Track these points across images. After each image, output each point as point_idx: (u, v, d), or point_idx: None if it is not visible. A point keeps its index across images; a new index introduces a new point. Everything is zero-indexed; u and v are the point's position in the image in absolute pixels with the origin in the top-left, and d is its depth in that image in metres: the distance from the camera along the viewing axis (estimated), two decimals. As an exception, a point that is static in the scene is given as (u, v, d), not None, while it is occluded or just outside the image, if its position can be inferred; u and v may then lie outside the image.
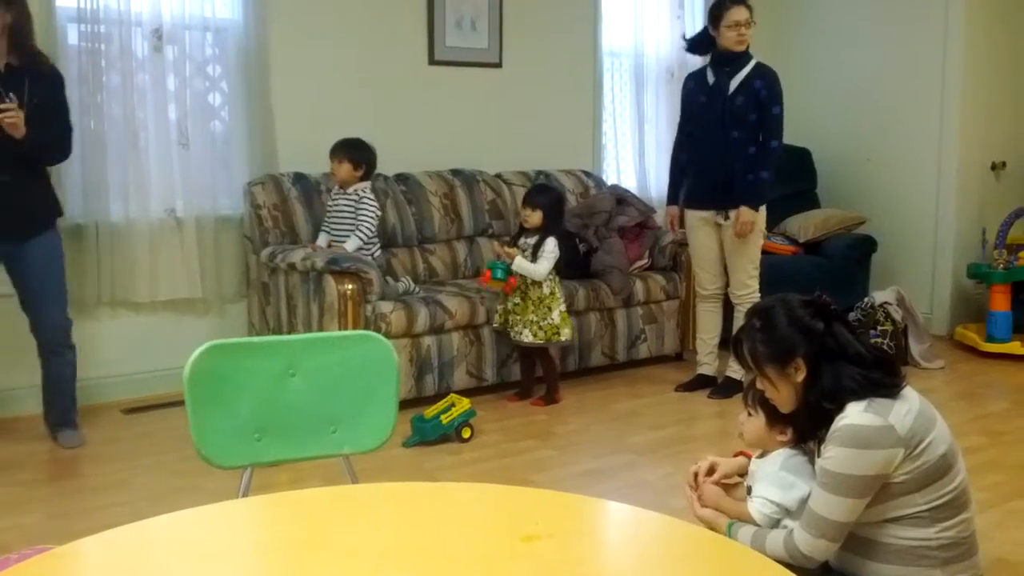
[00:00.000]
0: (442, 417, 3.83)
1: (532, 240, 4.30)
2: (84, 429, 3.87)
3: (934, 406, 1.97)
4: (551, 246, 4.23)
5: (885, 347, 4.95)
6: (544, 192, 4.46)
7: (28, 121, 3.46)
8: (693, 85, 4.49)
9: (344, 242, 4.29)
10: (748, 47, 4.31)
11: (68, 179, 4.18)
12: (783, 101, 4.32)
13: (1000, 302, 5.23)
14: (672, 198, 4.64)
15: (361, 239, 4.28)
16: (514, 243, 4.42)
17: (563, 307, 4.35)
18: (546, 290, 4.29)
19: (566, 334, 4.35)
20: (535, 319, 4.27)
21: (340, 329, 4.07)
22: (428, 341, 4.30)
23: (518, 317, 4.30)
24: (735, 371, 4.47)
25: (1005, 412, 4.36)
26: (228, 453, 1.99)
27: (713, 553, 1.46)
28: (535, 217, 4.29)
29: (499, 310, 4.40)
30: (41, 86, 3.58)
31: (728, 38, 4.27)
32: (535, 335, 4.28)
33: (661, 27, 5.85)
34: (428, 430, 3.79)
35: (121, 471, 3.54)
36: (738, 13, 4.25)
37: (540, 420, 4.19)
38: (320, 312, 4.15)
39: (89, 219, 4.21)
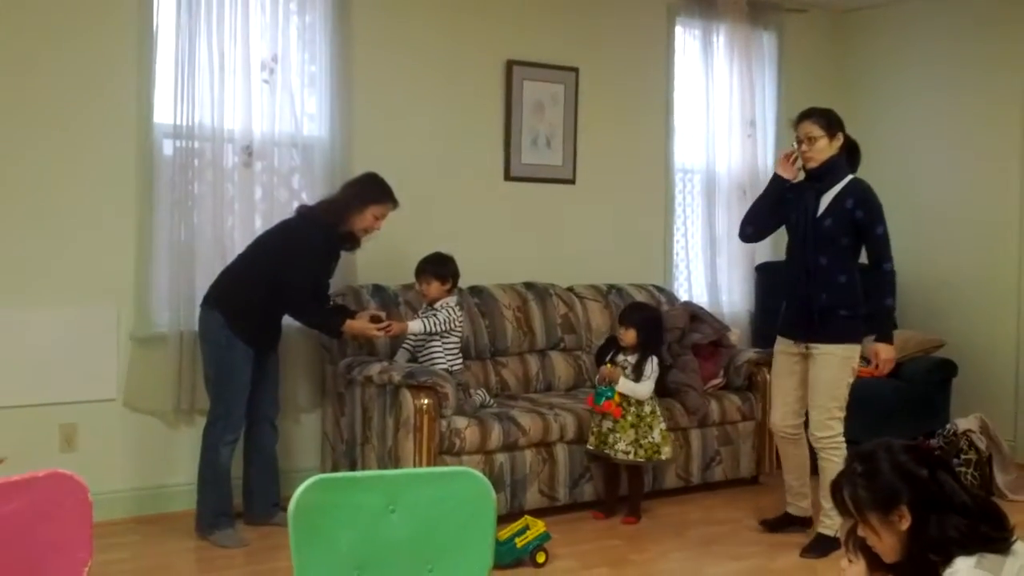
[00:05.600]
0: (516, 540, 3.76)
1: (631, 358, 4.35)
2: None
3: None
4: (653, 365, 4.32)
5: (969, 477, 4.79)
6: (638, 310, 4.56)
7: None
8: (792, 198, 4.09)
9: (431, 361, 4.31)
10: (837, 162, 3.93)
11: (156, 289, 4.29)
12: (885, 219, 3.94)
13: (1090, 432, 5.05)
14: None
15: (426, 324, 4.27)
16: (600, 359, 4.50)
17: (663, 425, 4.38)
18: (647, 408, 4.32)
19: (667, 452, 4.37)
20: (636, 437, 4.28)
21: (415, 444, 4.06)
22: (501, 458, 4.26)
23: (618, 435, 4.28)
24: (827, 527, 3.98)
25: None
26: (327, 590, 1.96)
27: None
28: (629, 336, 4.37)
29: (593, 431, 4.38)
30: None
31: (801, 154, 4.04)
32: (636, 453, 4.27)
33: (733, 144, 5.90)
34: (502, 553, 3.68)
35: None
36: (798, 129, 4.00)
37: (615, 545, 4.09)
38: (396, 426, 4.15)
39: (174, 328, 4.28)
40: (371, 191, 4.17)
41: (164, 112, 4.31)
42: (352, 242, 4.25)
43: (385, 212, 4.20)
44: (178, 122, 4.31)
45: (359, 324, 4.19)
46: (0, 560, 2.01)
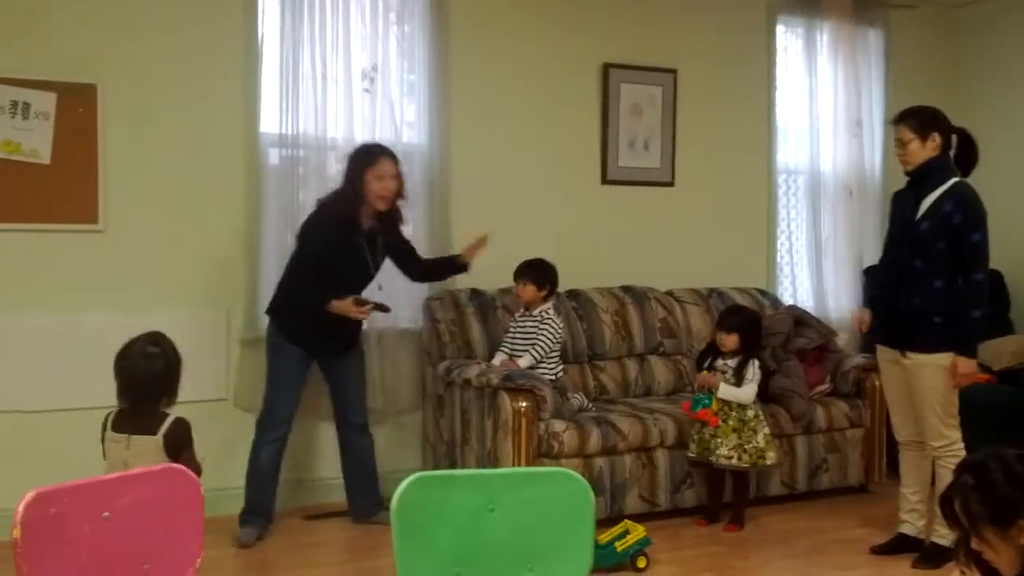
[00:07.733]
0: (616, 544, 3.73)
1: (732, 363, 4.29)
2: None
3: None
4: (755, 368, 4.25)
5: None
6: (738, 313, 4.47)
7: None
8: (896, 204, 4.01)
9: (520, 359, 4.32)
10: (936, 164, 3.75)
11: (263, 293, 4.41)
12: (986, 227, 3.71)
13: None
14: (866, 301, 4.26)
15: (535, 357, 4.30)
16: (700, 365, 4.44)
17: (767, 430, 4.29)
18: (750, 413, 4.25)
19: (771, 457, 4.28)
20: (739, 442, 4.21)
21: (513, 447, 4.07)
22: (600, 462, 4.23)
23: (719, 440, 4.22)
24: (941, 536, 3.75)
25: None
26: (428, 587, 1.98)
27: None
28: (731, 341, 4.31)
29: (694, 438, 4.32)
30: None
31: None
32: (740, 459, 4.20)
33: (839, 144, 5.74)
34: (602, 557, 3.64)
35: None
36: (896, 132, 3.86)
37: (718, 552, 4.01)
38: (494, 429, 4.17)
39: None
40: (358, 158, 4.05)
41: (270, 121, 4.44)
42: (375, 217, 4.10)
43: (384, 171, 4.03)
44: (283, 131, 4.44)
45: (342, 304, 3.98)
46: (119, 550, 2.10)
